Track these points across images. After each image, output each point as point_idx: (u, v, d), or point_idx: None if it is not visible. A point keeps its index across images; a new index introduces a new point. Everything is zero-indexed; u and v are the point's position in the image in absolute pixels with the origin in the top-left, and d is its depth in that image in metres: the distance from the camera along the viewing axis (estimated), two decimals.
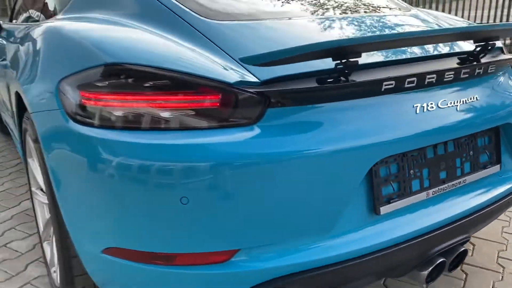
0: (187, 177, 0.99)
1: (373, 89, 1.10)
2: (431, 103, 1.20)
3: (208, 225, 1.02)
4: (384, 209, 1.15)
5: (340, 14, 1.53)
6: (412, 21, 1.59)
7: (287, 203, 1.04)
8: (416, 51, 1.31)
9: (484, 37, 1.28)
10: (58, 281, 1.52)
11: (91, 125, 1.10)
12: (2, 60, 2.16)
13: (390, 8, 1.74)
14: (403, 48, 1.29)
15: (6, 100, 2.26)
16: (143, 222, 1.05)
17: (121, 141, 1.05)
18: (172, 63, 1.10)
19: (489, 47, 1.33)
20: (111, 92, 1.09)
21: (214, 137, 1.02)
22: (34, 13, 2.24)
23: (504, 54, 1.52)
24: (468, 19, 7.15)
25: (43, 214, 1.80)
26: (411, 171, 1.21)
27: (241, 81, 1.07)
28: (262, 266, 1.06)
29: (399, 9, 1.75)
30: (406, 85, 1.14)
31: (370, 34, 1.36)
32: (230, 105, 1.05)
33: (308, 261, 1.09)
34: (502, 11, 7.22)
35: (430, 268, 1.27)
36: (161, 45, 1.18)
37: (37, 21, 2.06)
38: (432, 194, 1.25)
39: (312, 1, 1.61)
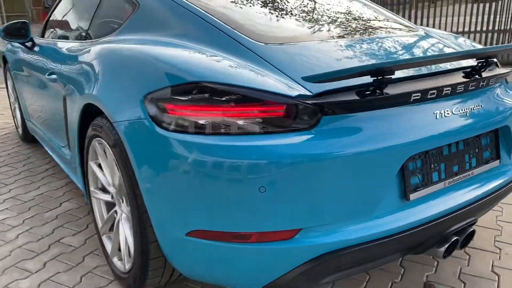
0: (264, 171, 1.26)
1: (404, 99, 1.39)
2: (447, 110, 1.49)
3: (278, 209, 1.29)
4: (412, 196, 1.44)
5: (364, 35, 1.82)
6: (425, 41, 1.89)
7: (338, 191, 1.32)
8: (432, 66, 1.60)
9: (486, 56, 1.58)
10: (127, 267, 1.77)
11: (176, 131, 1.36)
12: (49, 74, 2.38)
13: (403, 29, 2.04)
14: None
15: (54, 110, 2.48)
16: (226, 208, 1.31)
17: (206, 143, 1.31)
18: (242, 80, 1.37)
19: (489, 63, 1.63)
20: (194, 105, 1.36)
21: (283, 139, 1.29)
22: (80, 32, 2.47)
23: (499, 68, 1.82)
24: (434, 26, 7.61)
25: (101, 211, 2.04)
26: (432, 165, 1.50)
27: (299, 94, 1.34)
28: (319, 242, 1.33)
29: (410, 30, 2.05)
30: (429, 96, 1.43)
31: (397, 55, 1.65)
32: (292, 114, 1.32)
33: (355, 238, 1.36)
34: (464, 19, 7.74)
35: (446, 245, 1.55)
36: (228, 65, 1.45)
37: (86, 38, 2.29)
38: (448, 184, 1.54)
39: (339, 25, 1.90)
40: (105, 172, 1.86)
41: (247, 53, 1.54)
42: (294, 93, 1.34)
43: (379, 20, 2.10)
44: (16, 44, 3.38)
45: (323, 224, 1.34)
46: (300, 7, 2.02)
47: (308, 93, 1.36)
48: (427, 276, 1.89)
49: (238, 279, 1.43)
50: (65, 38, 2.73)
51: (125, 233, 1.76)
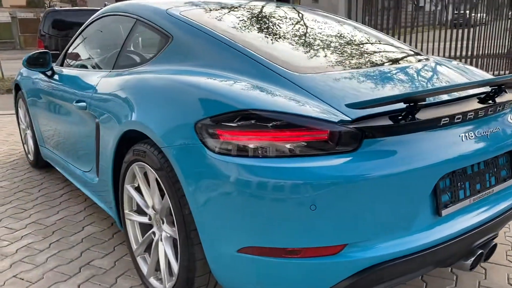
0: (313, 191, 1.37)
1: (435, 124, 1.53)
2: (470, 133, 1.64)
3: (327, 225, 1.40)
4: (444, 212, 1.56)
5: (387, 64, 1.98)
6: (440, 68, 2.06)
7: (380, 208, 1.44)
8: (454, 93, 1.75)
9: (500, 83, 1.74)
10: (167, 285, 1.84)
11: (228, 154, 1.47)
12: (78, 102, 2.48)
13: (417, 58, 2.21)
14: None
15: (79, 136, 2.57)
16: (278, 225, 1.41)
17: (257, 165, 1.43)
18: (287, 107, 1.50)
19: (501, 90, 1.79)
20: (244, 130, 1.47)
21: (330, 161, 1.41)
22: (108, 61, 2.58)
23: (508, 94, 1.99)
24: (422, 50, 7.97)
25: (135, 233, 2.11)
26: (458, 184, 1.63)
27: (341, 120, 1.47)
28: (363, 256, 1.44)
29: (424, 59, 2.22)
30: (455, 120, 1.58)
31: (421, 82, 1.80)
32: (336, 138, 1.45)
33: (394, 252, 1.47)
34: (450, 44, 8.12)
35: (473, 258, 1.68)
36: (271, 94, 1.58)
37: (116, 68, 2.40)
38: (473, 201, 1.67)
39: (361, 55, 2.06)
40: (144, 195, 1.95)
41: (284, 82, 1.67)
42: (336, 118, 1.47)
43: (394, 51, 2.27)
44: (33, 72, 3.47)
45: (366, 240, 1.45)
46: (325, 39, 2.18)
47: (348, 119, 1.49)
48: None
49: None
50: (92, 67, 2.85)
51: (166, 252, 1.84)
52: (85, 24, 3.04)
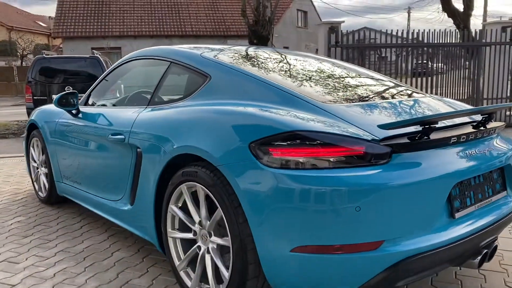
0: (358, 195, 1.68)
1: (446, 142, 1.89)
2: (473, 151, 2.00)
3: (369, 225, 1.70)
4: (457, 215, 1.89)
5: (396, 97, 2.36)
6: (437, 101, 2.46)
7: (408, 210, 1.75)
8: (455, 119, 2.13)
9: (490, 111, 2.13)
10: None
11: (280, 168, 1.77)
12: (114, 135, 2.74)
13: (414, 91, 2.61)
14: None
15: (110, 167, 2.81)
16: (327, 225, 1.70)
17: (306, 175, 1.73)
18: (326, 128, 1.83)
19: (491, 118, 2.18)
20: (292, 148, 1.79)
21: (369, 171, 1.73)
22: (144, 99, 2.88)
23: (494, 122, 2.39)
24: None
25: (177, 250, 2.33)
26: (465, 192, 1.97)
27: (372, 138, 1.81)
28: (397, 250, 1.74)
29: (420, 93, 2.62)
30: (460, 140, 1.94)
31: (428, 111, 2.18)
32: (370, 152, 1.77)
33: (419, 247, 1.77)
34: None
35: (480, 257, 1.99)
36: (310, 119, 1.91)
37: (152, 103, 2.69)
38: (477, 207, 2.01)
39: (375, 90, 2.44)
40: (191, 212, 2.20)
41: (316, 110, 2.01)
42: (369, 137, 1.81)
43: (394, 86, 2.67)
44: (53, 112, 3.72)
45: (399, 237, 1.75)
46: (336, 77, 2.56)
47: (377, 138, 1.82)
48: None
49: (332, 286, 1.79)
50: (123, 104, 3.13)
51: (216, 262, 2.07)
52: (110, 68, 3.34)
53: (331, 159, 1.76)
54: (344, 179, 1.70)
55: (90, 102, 3.45)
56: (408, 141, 1.83)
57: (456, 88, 9.10)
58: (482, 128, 2.13)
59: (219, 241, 2.06)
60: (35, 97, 9.27)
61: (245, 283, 1.93)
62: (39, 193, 4.17)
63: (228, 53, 2.73)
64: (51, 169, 3.79)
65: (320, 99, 2.13)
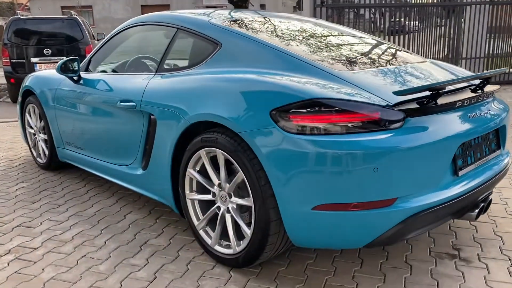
0: (376, 156, 1.83)
1: (452, 106, 2.04)
2: (473, 114, 2.16)
3: (385, 184, 1.86)
4: (460, 173, 2.07)
5: (403, 63, 2.49)
6: (439, 67, 2.59)
7: (419, 170, 1.91)
8: (458, 84, 2.27)
9: (487, 76, 2.28)
10: (238, 249, 2.22)
11: (300, 134, 1.90)
12: (124, 102, 2.79)
13: (420, 59, 2.74)
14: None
15: (121, 133, 2.88)
16: (346, 185, 1.85)
17: (326, 140, 1.86)
18: (344, 96, 1.95)
19: (488, 82, 2.34)
20: (312, 115, 1.91)
21: (385, 135, 1.87)
22: (146, 65, 2.92)
23: (491, 85, 2.55)
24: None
25: (195, 210, 2.47)
26: (467, 152, 2.15)
27: (387, 104, 1.94)
28: (408, 206, 1.91)
29: (424, 60, 2.75)
30: (464, 104, 2.09)
31: (435, 76, 2.32)
32: (385, 117, 1.91)
33: (428, 203, 1.95)
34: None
35: (477, 210, 2.20)
36: (329, 86, 2.02)
37: (161, 71, 2.74)
38: (476, 166, 2.20)
39: (380, 56, 2.56)
40: (210, 175, 2.32)
41: (331, 77, 2.12)
42: (383, 103, 1.94)
43: (398, 51, 2.79)
44: (50, 78, 3.71)
45: (410, 194, 1.92)
46: (343, 44, 2.66)
47: (390, 103, 1.96)
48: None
49: (349, 240, 1.97)
50: (128, 71, 3.16)
51: (237, 220, 2.22)
52: (111, 33, 3.33)
53: (350, 125, 1.89)
54: (363, 143, 1.84)
55: (91, 68, 3.45)
56: (419, 106, 1.96)
57: (433, 47, 9.27)
58: (481, 92, 2.29)
59: (240, 201, 2.20)
60: (13, 60, 9.01)
61: (267, 238, 2.08)
62: (38, 159, 4.20)
63: (234, 19, 2.77)
64: (51, 136, 3.82)
65: (331, 66, 2.23)
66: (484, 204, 2.23)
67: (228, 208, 2.28)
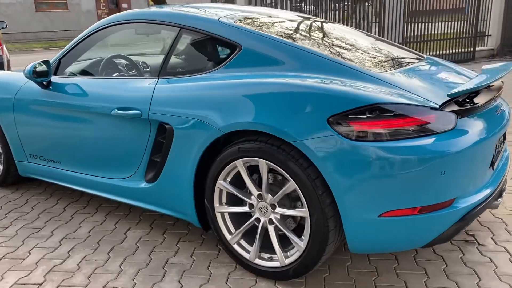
0: (445, 160, 1.85)
1: (486, 106, 2.13)
2: (498, 110, 2.28)
3: (447, 185, 1.90)
4: (494, 167, 2.19)
5: (424, 64, 2.54)
6: (444, 66, 2.69)
7: (472, 169, 1.98)
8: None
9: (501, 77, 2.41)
10: (287, 261, 2.14)
11: (364, 140, 1.86)
12: (123, 110, 2.52)
13: (424, 56, 2.82)
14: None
15: (117, 144, 2.61)
16: (415, 189, 1.86)
17: (389, 146, 1.84)
18: (403, 100, 1.94)
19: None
20: (373, 120, 1.88)
21: (446, 138, 1.90)
22: (143, 67, 2.65)
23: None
24: None
25: (226, 224, 2.33)
26: (496, 146, 2.27)
27: (439, 105, 1.97)
28: (464, 205, 1.98)
29: (424, 57, 2.84)
30: (492, 103, 2.20)
31: (460, 77, 2.40)
32: (442, 119, 1.94)
33: (478, 200, 2.03)
34: None
35: (501, 198, 2.34)
36: (378, 90, 2.00)
37: (158, 75, 2.51)
38: (498, 158, 2.34)
39: (398, 56, 2.59)
40: (249, 186, 2.19)
41: (372, 80, 2.10)
42: (436, 105, 1.97)
43: (399, 49, 2.85)
44: (4, 81, 3.24)
45: (464, 193, 1.99)
46: (362, 45, 2.65)
47: (437, 105, 1.99)
48: None
49: (410, 242, 1.99)
50: (102, 73, 2.85)
51: (285, 232, 2.13)
52: (86, 32, 2.97)
53: (410, 129, 1.89)
54: (432, 146, 1.86)
55: (62, 71, 3.06)
56: (463, 107, 2.02)
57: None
58: (496, 89, 2.40)
59: (289, 212, 2.11)
60: None
61: (325, 247, 2.03)
62: None
63: (242, 17, 2.61)
64: (9, 148, 3.35)
65: (364, 67, 2.20)
66: (504, 192, 2.38)
67: (271, 219, 2.18)
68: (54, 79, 2.99)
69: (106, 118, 2.65)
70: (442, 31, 10.11)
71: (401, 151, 1.84)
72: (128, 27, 2.86)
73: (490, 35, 10.88)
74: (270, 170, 2.15)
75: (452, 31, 10.30)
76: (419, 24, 9.75)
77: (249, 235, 2.30)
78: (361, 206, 1.91)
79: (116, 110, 2.57)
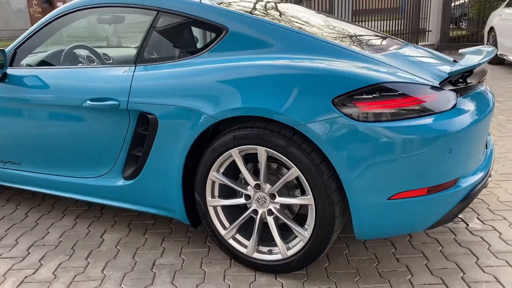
0: (452, 138, 1.82)
1: (479, 85, 2.13)
2: (487, 90, 2.30)
3: (453, 164, 1.87)
4: (488, 145, 2.20)
5: (400, 45, 2.51)
6: (426, 50, 2.70)
7: (474, 146, 1.96)
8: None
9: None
10: (289, 252, 2.04)
11: (371, 121, 1.79)
12: (98, 101, 2.31)
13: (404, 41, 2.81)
14: None
15: (90, 140, 2.39)
16: (423, 170, 1.82)
17: (398, 126, 1.78)
18: (406, 79, 1.88)
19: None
20: (378, 101, 1.81)
21: (451, 116, 1.86)
22: (117, 54, 2.44)
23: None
24: None
25: (219, 218, 2.18)
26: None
27: (439, 83, 1.94)
28: (467, 184, 1.96)
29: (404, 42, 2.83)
30: (479, 86, 2.20)
31: (448, 58, 2.39)
32: (444, 98, 1.91)
33: (478, 178, 2.02)
34: None
35: (490, 177, 2.36)
36: (379, 70, 1.94)
37: (135, 62, 2.32)
38: (489, 137, 2.36)
39: (380, 41, 2.55)
40: (246, 176, 2.06)
41: (369, 60, 2.03)
42: (436, 83, 1.94)
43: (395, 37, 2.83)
44: None
45: (467, 172, 1.98)
46: (342, 29, 2.59)
47: (438, 84, 1.96)
48: None
49: (416, 224, 1.94)
50: (85, 62, 2.60)
51: (287, 222, 2.02)
52: (48, 17, 2.70)
53: (416, 108, 1.84)
54: (440, 125, 1.82)
55: (18, 62, 2.77)
56: (461, 86, 2.01)
57: None
58: (481, 72, 2.40)
59: (292, 201, 2.01)
60: None
61: (331, 236, 1.94)
62: None
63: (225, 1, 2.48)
64: None
65: (357, 48, 2.14)
66: (492, 171, 2.42)
67: (270, 210, 2.06)
68: (10, 71, 2.70)
69: (75, 111, 2.41)
70: (385, 29, 10.46)
71: (411, 131, 1.79)
72: (95, 12, 2.62)
73: (431, 30, 11.36)
74: (268, 158, 2.03)
75: (394, 28, 10.68)
76: (366, 23, 10.02)
77: (244, 229, 2.17)
78: (370, 189, 1.84)
79: (88, 102, 2.34)
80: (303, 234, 1.99)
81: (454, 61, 2.36)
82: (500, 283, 2.01)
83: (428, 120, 1.83)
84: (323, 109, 1.82)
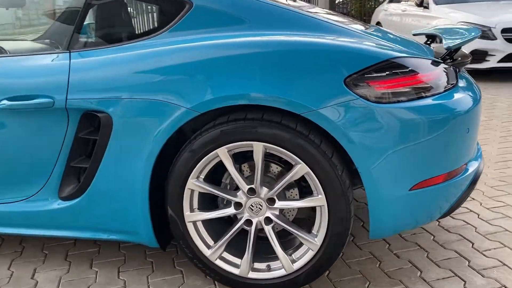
0: (469, 116, 1.66)
1: (467, 62, 2.01)
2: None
3: (466, 148, 1.72)
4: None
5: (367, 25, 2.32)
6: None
7: (473, 131, 1.80)
8: None
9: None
10: (295, 266, 1.72)
11: (388, 102, 1.55)
12: (21, 100, 1.75)
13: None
14: None
15: (15, 152, 1.82)
16: (444, 153, 1.63)
17: (418, 105, 1.57)
18: (414, 54, 1.68)
19: None
20: (390, 79, 1.58)
21: (462, 93, 1.71)
22: (43, 39, 1.89)
23: None
24: None
25: (201, 236, 1.78)
26: None
27: (441, 59, 1.78)
28: (472, 170, 1.81)
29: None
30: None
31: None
32: (449, 74, 1.74)
33: (477, 165, 1.88)
34: None
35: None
36: (377, 44, 1.71)
37: (67, 47, 1.81)
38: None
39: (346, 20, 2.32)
40: (237, 180, 1.68)
41: (357, 35, 1.78)
42: (438, 59, 1.77)
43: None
44: None
45: (470, 158, 1.84)
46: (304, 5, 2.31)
47: (441, 60, 1.80)
48: None
49: (431, 215, 1.75)
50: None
51: (293, 230, 1.69)
52: None
53: (429, 85, 1.64)
54: (458, 102, 1.65)
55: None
56: (454, 63, 1.87)
57: None
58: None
59: (297, 204, 1.68)
60: None
61: (345, 239, 1.66)
62: None
63: None
64: None
65: (348, 25, 1.88)
66: None
67: (268, 218, 1.71)
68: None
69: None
70: None
71: (434, 110, 1.59)
72: None
73: None
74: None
75: None
76: None
77: (233, 245, 1.79)
78: (392, 180, 1.59)
79: (6, 102, 1.76)
80: (313, 242, 1.67)
81: (426, 43, 2.24)
82: (508, 266, 1.91)
83: (447, 98, 1.65)
84: (336, 91, 1.53)
